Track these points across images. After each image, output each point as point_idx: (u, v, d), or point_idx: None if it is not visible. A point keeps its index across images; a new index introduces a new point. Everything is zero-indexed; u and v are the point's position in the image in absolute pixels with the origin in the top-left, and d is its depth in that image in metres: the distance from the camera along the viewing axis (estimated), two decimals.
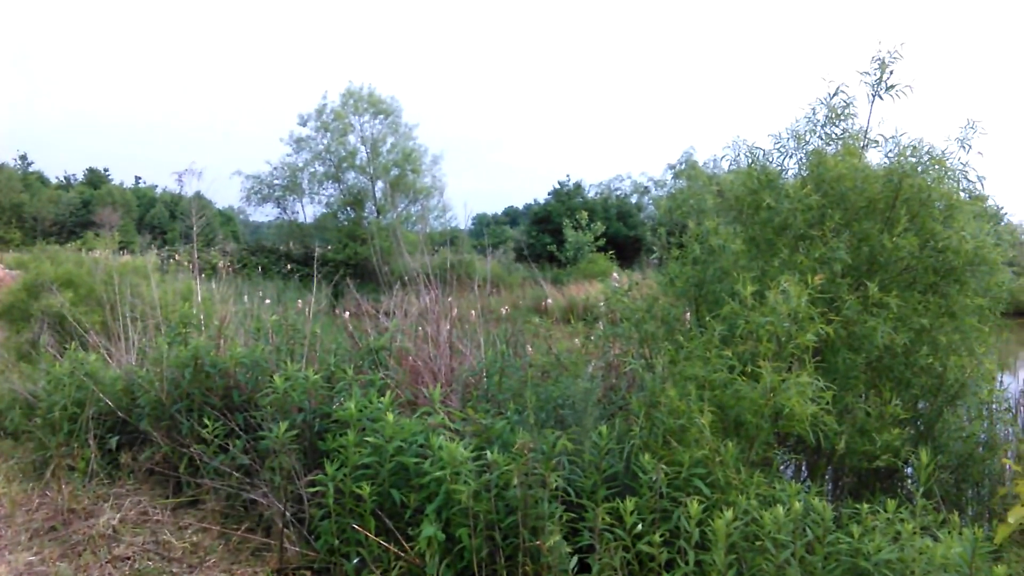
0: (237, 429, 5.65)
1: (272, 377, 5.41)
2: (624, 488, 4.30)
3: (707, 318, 5.08)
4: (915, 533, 3.55)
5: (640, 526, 3.91)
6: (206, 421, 5.57)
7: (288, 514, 4.81)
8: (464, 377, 5.84)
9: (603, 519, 3.89)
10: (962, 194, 5.50)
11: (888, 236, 5.14)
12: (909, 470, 5.36)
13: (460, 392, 5.70)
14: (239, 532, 5.22)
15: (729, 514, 3.69)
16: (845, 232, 5.33)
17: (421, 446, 4.56)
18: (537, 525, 4.01)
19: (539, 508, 4.00)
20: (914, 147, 5.36)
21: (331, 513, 4.43)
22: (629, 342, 5.83)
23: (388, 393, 4.83)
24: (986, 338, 5.39)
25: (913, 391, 5.36)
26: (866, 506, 3.94)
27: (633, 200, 45.92)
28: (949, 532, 3.67)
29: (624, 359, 5.50)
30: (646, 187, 46.07)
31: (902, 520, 3.81)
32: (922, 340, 5.21)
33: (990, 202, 5.58)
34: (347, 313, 10.17)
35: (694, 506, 3.79)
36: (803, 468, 5.59)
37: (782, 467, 5.37)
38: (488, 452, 4.20)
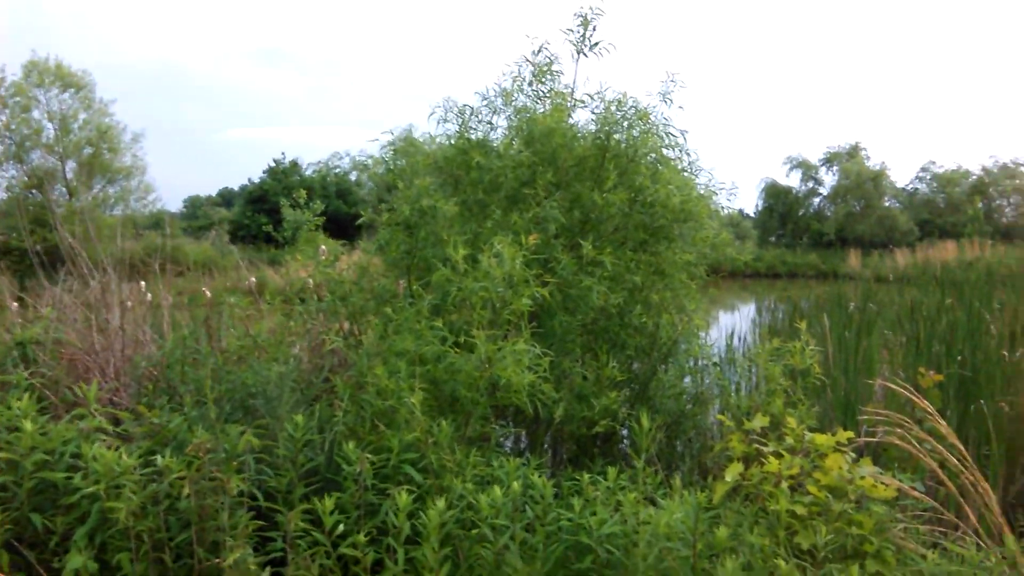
0: None
1: None
2: (327, 484, 3.74)
3: (416, 287, 4.64)
4: (638, 503, 3.32)
5: (343, 526, 3.37)
6: None
7: None
8: (141, 369, 4.96)
9: (297, 523, 3.31)
10: (667, 151, 5.49)
11: (599, 193, 4.98)
12: (626, 431, 5.27)
13: (135, 387, 4.83)
14: None
15: (441, 503, 3.26)
16: (558, 191, 5.10)
17: (75, 456, 3.69)
18: (217, 539, 3.34)
19: (219, 519, 3.33)
20: (619, 102, 5.25)
21: None
22: (335, 318, 5.25)
23: (27, 395, 3.88)
24: (695, 295, 5.45)
25: (628, 352, 5.28)
26: (587, 476, 3.69)
27: (353, 178, 44.99)
28: (668, 495, 3.51)
29: (327, 336, 4.92)
30: (366, 164, 45.33)
31: (623, 488, 3.60)
32: (635, 299, 5.14)
33: (694, 157, 5.60)
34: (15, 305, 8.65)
35: (403, 497, 3.32)
36: (522, 440, 5.35)
37: (502, 440, 5.09)
38: (159, 457, 3.45)
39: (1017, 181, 44.15)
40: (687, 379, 5.54)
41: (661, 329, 5.21)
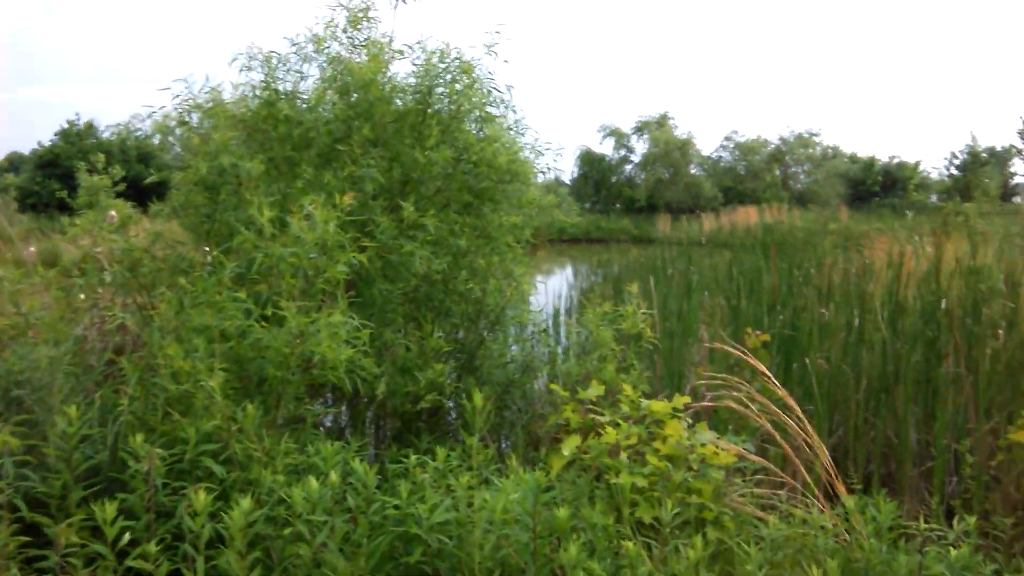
0: None
1: None
2: (110, 485, 3.21)
3: (217, 254, 4.12)
4: (471, 488, 3.03)
5: (129, 534, 2.88)
6: None
7: None
8: None
9: (68, 537, 2.79)
10: (491, 108, 5.21)
11: (420, 151, 4.61)
12: (452, 404, 4.98)
13: None
14: None
15: (248, 501, 2.83)
16: (375, 148, 4.69)
17: None
18: None
19: None
20: (442, 52, 4.88)
21: None
22: (125, 291, 4.61)
23: None
24: (522, 259, 5.21)
25: (453, 320, 4.98)
26: (413, 457, 3.37)
27: (156, 141, 41.96)
28: (502, 473, 3.26)
29: (110, 312, 4.31)
30: (171, 127, 42.15)
31: (452, 470, 3.31)
32: (460, 265, 4.84)
33: (520, 115, 5.34)
34: None
35: (201, 496, 2.86)
36: (342, 419, 4.95)
37: (319, 421, 4.67)
38: None
39: (810, 150, 47.56)
40: (514, 347, 5.33)
41: (488, 295, 4.94)
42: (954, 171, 47.69)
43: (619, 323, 4.54)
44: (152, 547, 2.80)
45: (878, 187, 43.51)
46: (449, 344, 4.63)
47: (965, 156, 47.14)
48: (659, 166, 47.43)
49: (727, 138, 50.27)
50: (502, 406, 5.05)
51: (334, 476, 2.98)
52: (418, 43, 4.98)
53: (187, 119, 5.14)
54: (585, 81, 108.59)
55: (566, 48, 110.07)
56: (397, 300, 4.46)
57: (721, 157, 50.11)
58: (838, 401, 5.69)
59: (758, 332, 4.87)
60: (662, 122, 49.13)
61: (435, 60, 4.85)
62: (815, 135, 47.82)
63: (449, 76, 4.82)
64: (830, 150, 48.09)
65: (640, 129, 49.71)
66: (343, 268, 3.72)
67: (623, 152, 50.71)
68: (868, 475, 5.38)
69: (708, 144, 72.68)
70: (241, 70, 4.94)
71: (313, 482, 2.95)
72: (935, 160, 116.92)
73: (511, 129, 5.21)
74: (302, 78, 4.97)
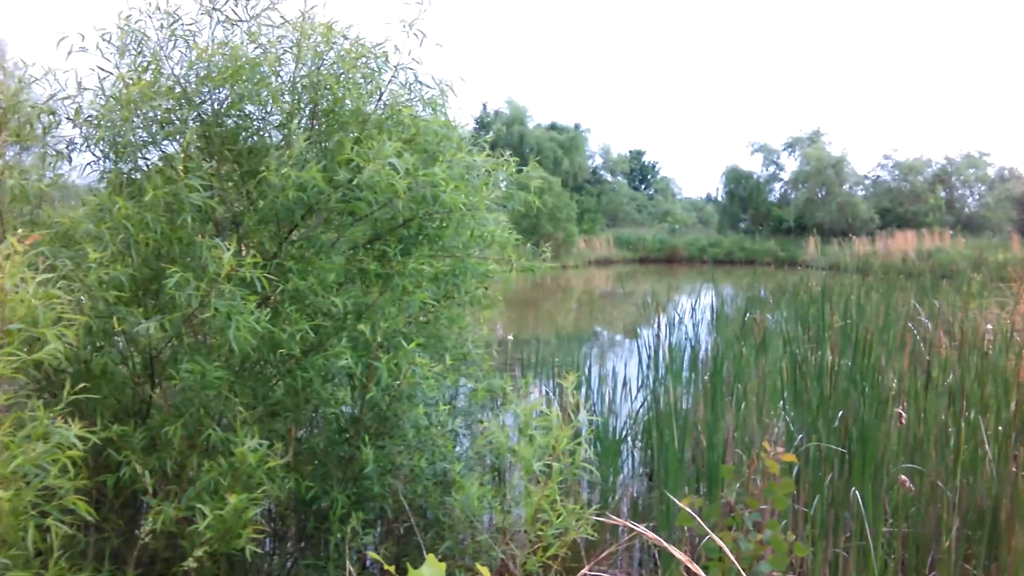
0: None
1: None
2: None
3: None
4: None
5: None
6: None
7: None
8: None
9: None
10: (419, 107, 3.72)
11: (274, 168, 3.17)
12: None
13: None
14: None
15: None
16: (212, 161, 3.31)
17: None
18: None
19: None
20: (325, 30, 3.42)
21: None
22: None
23: None
24: (457, 319, 3.66)
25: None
26: None
27: None
28: None
29: None
30: None
31: None
32: (327, 332, 3.36)
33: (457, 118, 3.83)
34: None
35: None
36: None
37: None
38: None
39: (980, 171, 42.83)
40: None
41: (378, 378, 3.41)
42: None
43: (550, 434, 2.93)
44: None
45: None
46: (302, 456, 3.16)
47: None
48: (811, 184, 44.03)
49: (886, 156, 45.99)
50: None
51: None
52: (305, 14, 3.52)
53: None
54: (735, 96, 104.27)
55: (716, 62, 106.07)
56: (215, 387, 3.02)
57: (879, 176, 45.91)
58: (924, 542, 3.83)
59: (780, 447, 3.14)
60: (814, 138, 45.65)
61: (312, 41, 3.40)
62: (985, 155, 42.90)
63: (331, 54, 3.37)
64: (1006, 171, 42.99)
65: (791, 145, 46.45)
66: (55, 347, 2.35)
67: (772, 169, 47.59)
68: None
69: (865, 164, 67.53)
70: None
71: None
72: None
73: (443, 138, 3.66)
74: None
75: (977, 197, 43.26)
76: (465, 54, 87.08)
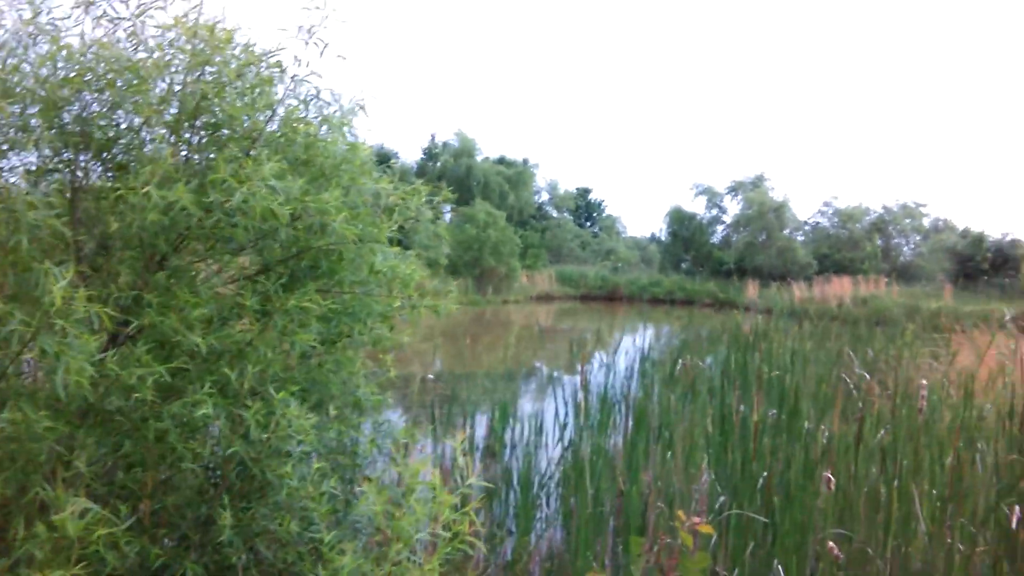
0: None
1: None
2: None
3: None
4: None
5: None
6: None
7: None
8: None
9: None
10: (324, 127, 3.36)
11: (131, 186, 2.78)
12: None
13: None
14: None
15: None
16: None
17: None
18: None
19: None
20: (204, 28, 3.05)
21: None
22: None
23: None
24: (347, 361, 3.28)
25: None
26: None
27: None
28: None
29: None
30: None
31: None
32: (187, 379, 2.96)
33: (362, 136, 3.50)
34: None
35: None
36: None
37: None
38: None
39: (916, 221, 43.78)
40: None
41: (246, 428, 3.00)
42: None
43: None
44: None
45: (987, 264, 39.20)
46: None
47: None
48: (752, 228, 44.50)
49: (826, 203, 46.62)
50: None
51: None
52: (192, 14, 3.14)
53: None
54: (682, 139, 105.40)
55: (665, 104, 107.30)
56: (45, 438, 2.58)
57: (818, 223, 46.61)
58: None
59: (696, 518, 2.81)
60: (757, 183, 46.27)
61: (197, 45, 3.02)
62: (922, 206, 43.90)
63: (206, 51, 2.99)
64: (940, 222, 43.97)
65: (734, 189, 46.98)
66: None
67: (715, 211, 48.06)
68: None
69: (805, 209, 68.69)
70: None
71: None
72: None
73: (343, 160, 3.30)
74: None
75: (912, 246, 44.15)
76: (416, 83, 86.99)
